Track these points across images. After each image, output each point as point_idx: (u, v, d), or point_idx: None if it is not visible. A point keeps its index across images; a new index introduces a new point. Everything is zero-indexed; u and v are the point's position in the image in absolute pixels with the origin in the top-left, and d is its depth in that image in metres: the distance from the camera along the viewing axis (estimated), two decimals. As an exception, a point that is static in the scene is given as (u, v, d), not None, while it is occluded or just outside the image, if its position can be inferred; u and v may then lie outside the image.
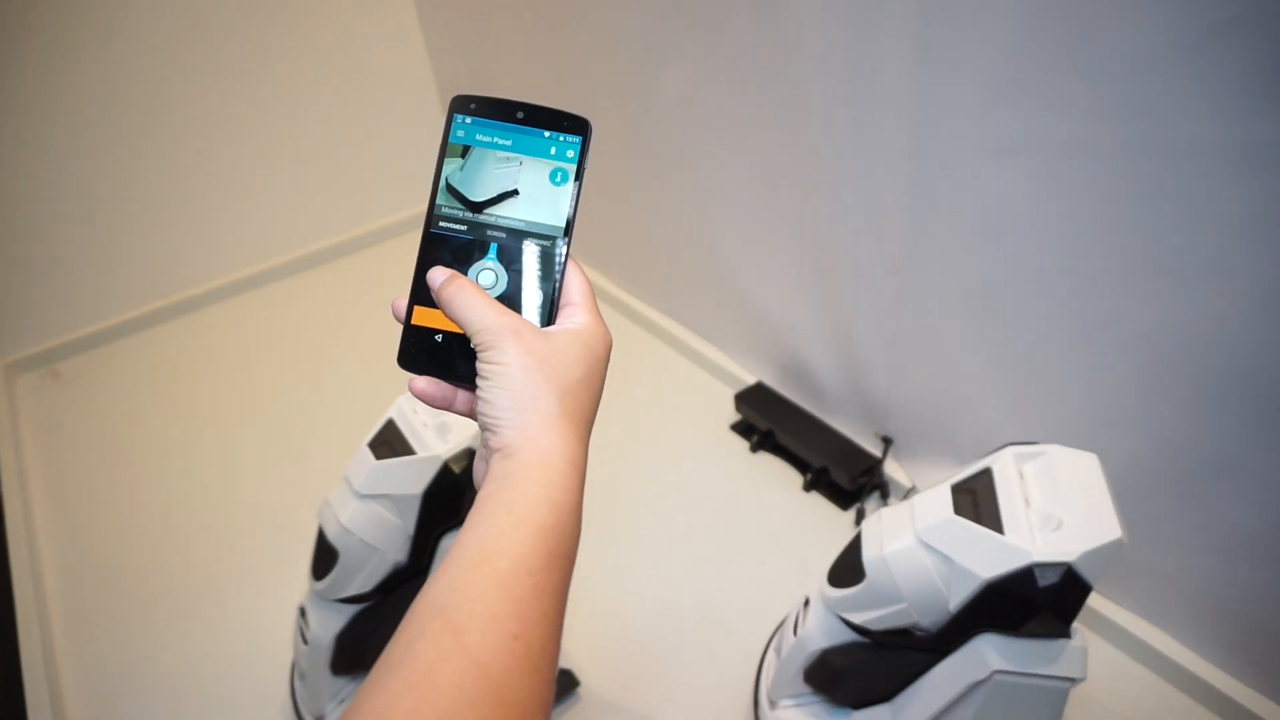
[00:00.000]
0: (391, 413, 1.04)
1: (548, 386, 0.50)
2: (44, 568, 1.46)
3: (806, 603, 1.02)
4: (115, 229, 2.00)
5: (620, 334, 1.89)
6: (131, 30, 1.85)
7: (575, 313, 0.54)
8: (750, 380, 1.64)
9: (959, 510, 0.85)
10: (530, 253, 0.53)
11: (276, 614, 1.30)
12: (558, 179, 0.54)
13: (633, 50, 1.51)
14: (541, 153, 0.54)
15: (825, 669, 0.96)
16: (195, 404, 1.84)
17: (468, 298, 0.52)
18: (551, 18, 1.67)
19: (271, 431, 1.74)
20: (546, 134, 0.54)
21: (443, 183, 0.54)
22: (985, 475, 0.88)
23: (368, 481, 0.98)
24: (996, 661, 0.83)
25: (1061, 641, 0.83)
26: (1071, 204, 0.97)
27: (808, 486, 1.45)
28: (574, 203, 0.53)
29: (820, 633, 0.97)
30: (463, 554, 0.46)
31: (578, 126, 0.54)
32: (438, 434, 1.02)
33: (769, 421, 1.52)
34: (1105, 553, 0.79)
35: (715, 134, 1.44)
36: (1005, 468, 0.88)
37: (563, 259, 0.53)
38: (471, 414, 0.55)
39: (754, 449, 1.54)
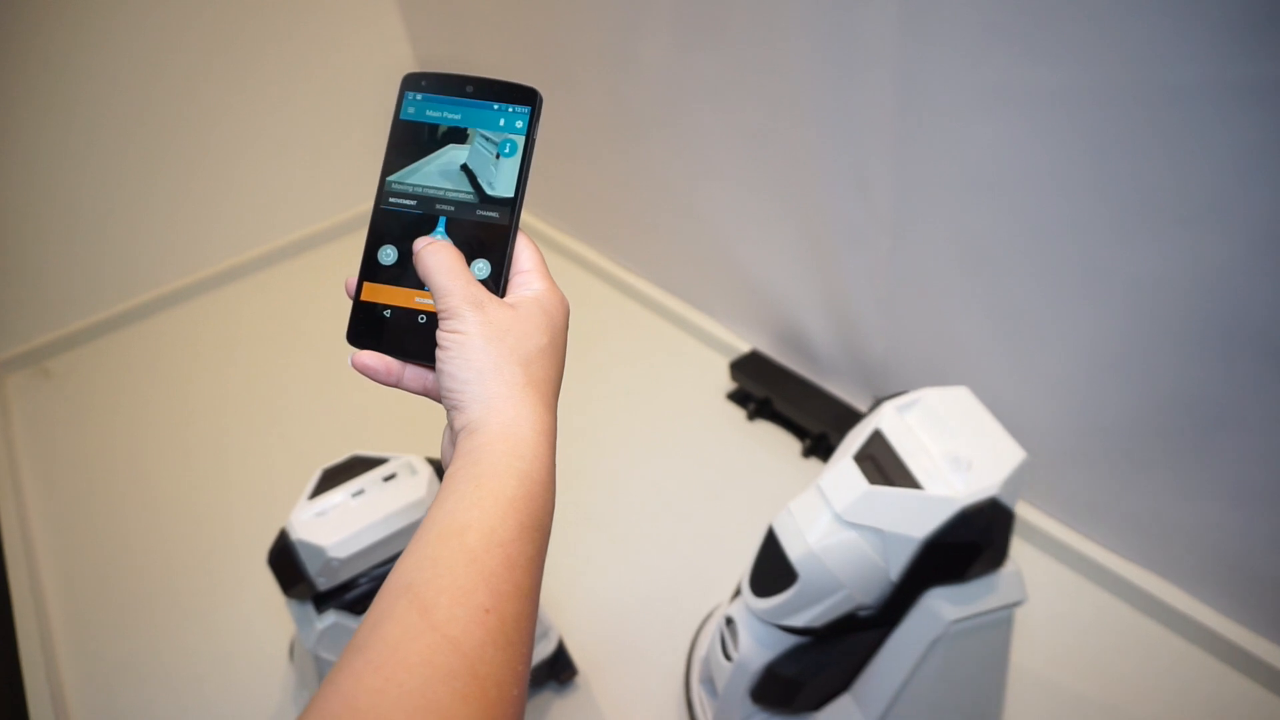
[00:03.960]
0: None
1: (511, 357, 0.49)
2: (40, 562, 1.45)
3: (729, 622, 0.96)
4: (97, 225, 1.98)
5: (612, 307, 1.82)
6: (110, 30, 1.83)
7: (530, 279, 0.53)
8: (745, 348, 1.60)
9: (871, 480, 0.83)
10: (479, 225, 0.53)
11: (268, 603, 1.30)
12: (507, 150, 0.53)
13: (613, 18, 1.45)
14: (491, 125, 0.54)
15: (775, 683, 0.92)
16: (186, 396, 1.81)
17: (441, 261, 0.51)
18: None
19: (262, 421, 1.69)
20: (495, 106, 0.54)
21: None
22: (878, 438, 0.87)
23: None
24: (951, 612, 0.83)
25: (997, 572, 0.84)
26: (1063, 153, 0.95)
27: (806, 453, 1.43)
28: (523, 174, 0.53)
29: (758, 648, 0.92)
30: (429, 530, 0.45)
31: (526, 97, 0.53)
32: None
33: (765, 389, 1.49)
34: (1019, 476, 0.81)
35: (699, 99, 1.38)
36: (892, 423, 0.87)
37: (513, 230, 0.53)
38: (423, 391, 0.54)
39: (751, 417, 1.51)
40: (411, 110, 0.55)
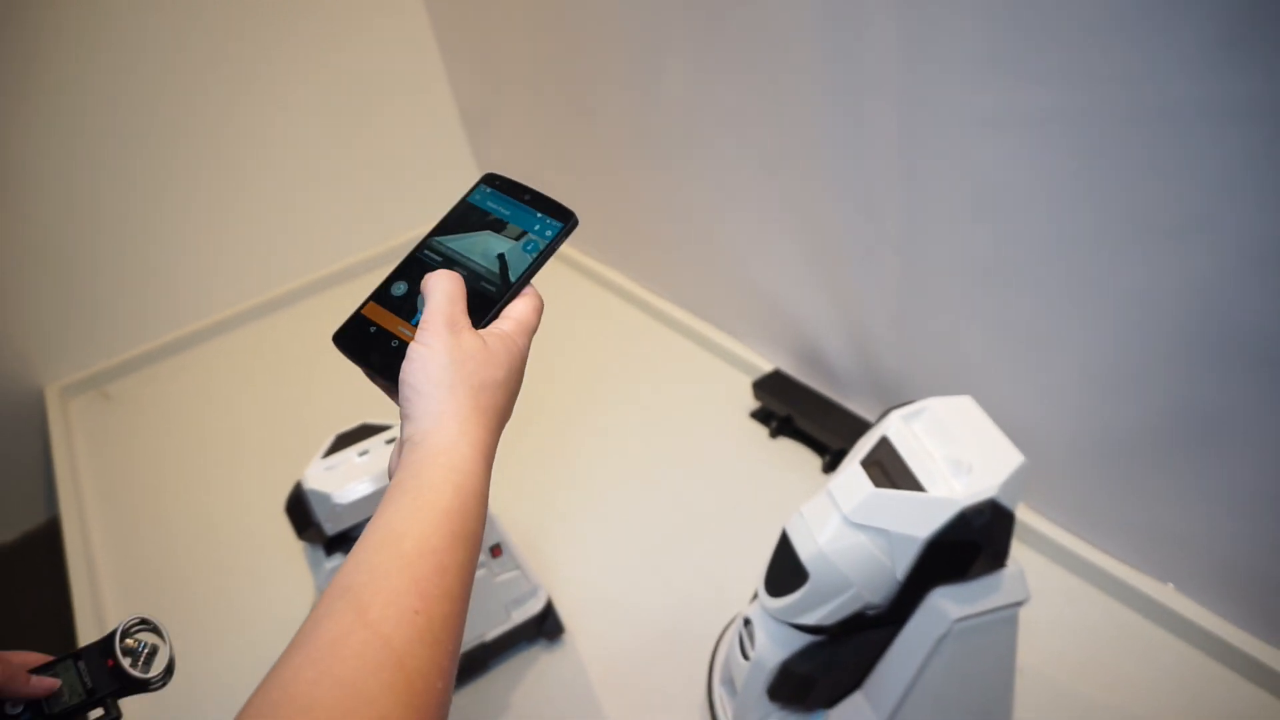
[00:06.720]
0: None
1: (466, 380, 0.54)
2: (99, 573, 1.57)
3: (747, 622, 1.01)
4: (152, 260, 2.12)
5: (640, 330, 1.93)
6: (164, 58, 1.96)
7: (507, 325, 0.60)
8: (768, 368, 1.66)
9: (877, 483, 0.88)
10: (477, 293, 0.62)
11: (299, 590, 1.40)
12: (529, 248, 0.64)
13: (637, 51, 1.56)
14: (528, 225, 0.64)
15: (790, 680, 0.96)
16: (237, 418, 1.93)
17: (446, 285, 0.58)
18: (561, 25, 1.74)
19: (310, 442, 1.77)
20: (538, 215, 0.65)
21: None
22: (885, 444, 0.91)
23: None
24: (955, 610, 0.86)
25: (1001, 572, 0.88)
26: (1059, 171, 0.99)
27: (826, 468, 1.49)
28: (532, 268, 0.63)
29: (773, 647, 0.96)
30: (370, 538, 0.49)
31: (563, 215, 0.65)
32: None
33: (787, 407, 1.55)
34: (1018, 479, 0.85)
35: (716, 128, 1.47)
36: (899, 431, 0.92)
37: (500, 306, 0.62)
38: (385, 389, 0.60)
39: (773, 435, 1.57)
40: (477, 197, 0.67)
